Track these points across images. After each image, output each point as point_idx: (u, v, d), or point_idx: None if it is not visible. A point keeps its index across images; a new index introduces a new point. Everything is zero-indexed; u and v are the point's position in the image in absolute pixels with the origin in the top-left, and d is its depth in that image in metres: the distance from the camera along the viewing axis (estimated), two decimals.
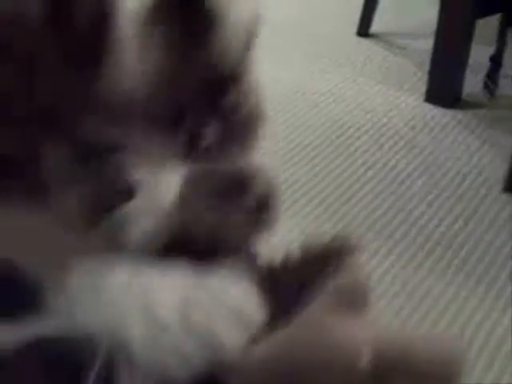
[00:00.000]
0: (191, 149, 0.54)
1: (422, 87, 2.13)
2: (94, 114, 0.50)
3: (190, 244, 0.53)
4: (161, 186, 0.53)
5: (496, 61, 2.09)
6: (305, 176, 1.81)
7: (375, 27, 2.43)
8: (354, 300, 0.55)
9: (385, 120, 2.04)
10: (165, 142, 0.53)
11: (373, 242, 1.61)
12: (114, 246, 0.53)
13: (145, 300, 0.52)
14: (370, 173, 1.83)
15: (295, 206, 1.71)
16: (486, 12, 2.02)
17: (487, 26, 2.04)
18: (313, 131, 1.98)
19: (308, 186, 1.77)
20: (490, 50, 2.11)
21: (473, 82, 2.12)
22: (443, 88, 2.11)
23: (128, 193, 0.52)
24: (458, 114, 2.08)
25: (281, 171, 1.81)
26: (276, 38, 2.42)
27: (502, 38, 2.05)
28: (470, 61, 2.09)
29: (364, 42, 2.41)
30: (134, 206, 0.53)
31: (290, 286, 0.56)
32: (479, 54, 2.07)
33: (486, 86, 2.14)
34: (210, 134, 0.55)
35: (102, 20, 0.49)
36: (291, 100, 2.10)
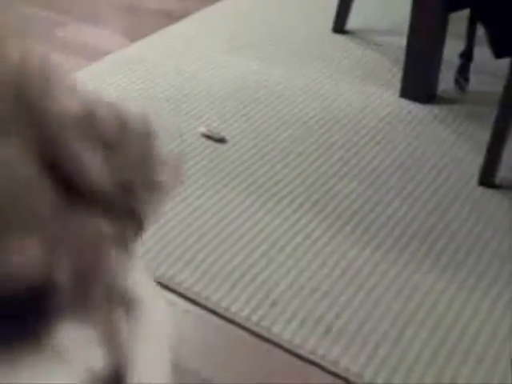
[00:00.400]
0: None
1: (398, 83, 2.13)
2: None
3: None
4: None
5: (466, 56, 2.08)
6: (281, 171, 1.81)
7: (351, 24, 2.43)
8: None
9: (361, 115, 2.05)
10: None
11: (351, 234, 1.62)
12: None
13: None
14: (346, 167, 1.84)
15: (271, 201, 1.71)
16: (458, 6, 1.99)
17: (463, 22, 2.03)
18: (289, 126, 1.98)
19: (284, 181, 1.77)
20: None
21: (448, 77, 2.12)
22: (418, 83, 2.10)
23: None
24: (434, 109, 2.08)
25: (257, 166, 1.81)
26: (253, 34, 2.42)
27: (472, 33, 2.03)
28: (446, 56, 2.09)
29: (340, 38, 2.41)
30: None
31: None
32: (456, 49, 2.07)
33: (456, 82, 2.11)
34: None
35: None
36: (268, 95, 2.10)
